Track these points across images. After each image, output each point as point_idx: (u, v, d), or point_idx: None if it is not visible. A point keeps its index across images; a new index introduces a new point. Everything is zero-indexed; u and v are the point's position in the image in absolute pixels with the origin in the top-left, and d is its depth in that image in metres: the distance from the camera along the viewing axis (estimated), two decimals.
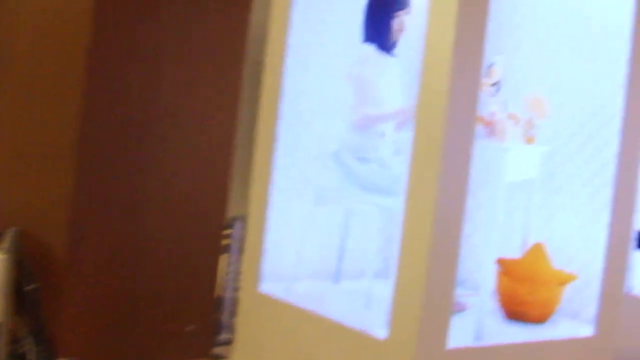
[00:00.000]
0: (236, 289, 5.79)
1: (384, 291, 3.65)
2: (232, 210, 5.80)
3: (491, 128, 3.82)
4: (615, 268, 4.05)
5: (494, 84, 3.92)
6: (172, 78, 5.07)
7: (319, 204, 4.10)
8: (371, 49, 4.05)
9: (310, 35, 4.17)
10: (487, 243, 3.79)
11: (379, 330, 3.51)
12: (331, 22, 4.25)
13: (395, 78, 4.10)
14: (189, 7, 5.10)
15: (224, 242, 5.83)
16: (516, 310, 4.01)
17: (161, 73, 5.03)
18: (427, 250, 3.34)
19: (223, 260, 5.81)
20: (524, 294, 3.98)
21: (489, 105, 3.85)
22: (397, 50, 4.12)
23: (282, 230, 4.18)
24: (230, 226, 6.00)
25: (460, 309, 3.95)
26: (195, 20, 5.10)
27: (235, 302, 5.47)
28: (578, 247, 4.15)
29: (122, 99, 4.91)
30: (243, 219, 5.30)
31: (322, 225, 4.28)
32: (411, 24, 4.06)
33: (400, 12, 4.05)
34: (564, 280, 4.04)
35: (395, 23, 4.05)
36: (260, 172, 4.15)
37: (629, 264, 4.57)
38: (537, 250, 4.06)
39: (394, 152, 3.98)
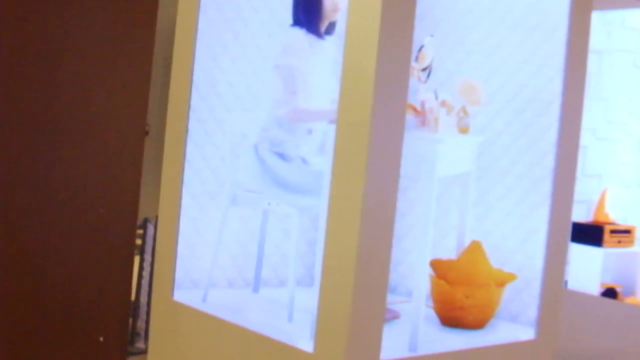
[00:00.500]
0: (150, 294, 5.53)
1: (308, 300, 3.45)
2: (144, 211, 5.56)
3: (422, 117, 3.61)
4: (555, 265, 3.91)
5: (424, 69, 3.70)
6: (75, 72, 4.83)
7: (234, 205, 3.89)
8: (300, 33, 3.75)
9: (223, 22, 3.99)
10: (419, 244, 3.56)
11: (305, 343, 3.30)
12: (250, 6, 4.06)
13: (329, 65, 3.81)
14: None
15: (137, 242, 5.56)
16: (453, 315, 3.82)
17: (64, 67, 4.81)
18: (354, 255, 3.10)
19: (136, 262, 5.54)
20: (461, 297, 3.78)
21: (419, 93, 3.64)
22: (333, 33, 3.83)
23: (195, 233, 4.02)
24: (142, 227, 5.78)
25: (392, 317, 3.77)
26: (100, 10, 4.78)
27: (150, 308, 5.18)
28: (516, 244, 3.99)
29: (20, 95, 4.59)
30: (155, 220, 5.03)
31: (238, 228, 4.12)
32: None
33: None
34: (503, 280, 3.86)
35: (328, 2, 3.72)
36: (169, 170, 3.97)
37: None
38: (474, 249, 3.87)
39: (318, 148, 3.71)
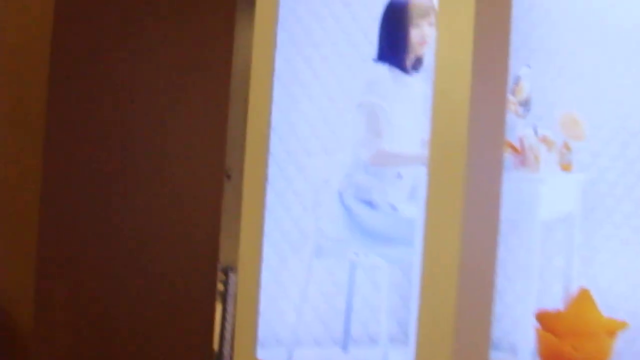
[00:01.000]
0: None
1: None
2: (227, 258, 5.43)
3: (521, 156, 3.47)
4: None
5: (522, 103, 3.54)
6: (149, 114, 4.77)
7: (319, 256, 3.72)
8: (385, 69, 3.58)
9: (301, 60, 3.87)
10: (523, 295, 3.48)
11: None
12: (330, 41, 3.89)
13: (418, 103, 3.62)
14: (167, 33, 4.69)
15: (219, 288, 5.46)
16: None
17: (137, 108, 4.73)
18: (452, 310, 2.92)
19: (218, 310, 5.45)
20: (569, 350, 3.60)
21: (518, 129, 3.52)
22: (420, 68, 3.67)
23: (278, 286, 3.90)
24: (225, 273, 5.66)
25: None
26: (174, 49, 4.68)
27: None
28: (627, 289, 3.79)
29: (91, 138, 4.47)
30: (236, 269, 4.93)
31: (324, 281, 3.93)
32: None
33: (422, 21, 3.54)
34: (614, 329, 3.67)
35: (415, 35, 3.53)
36: (248, 220, 3.76)
37: None
38: (583, 298, 3.69)
39: (409, 194, 3.57)
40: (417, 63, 3.62)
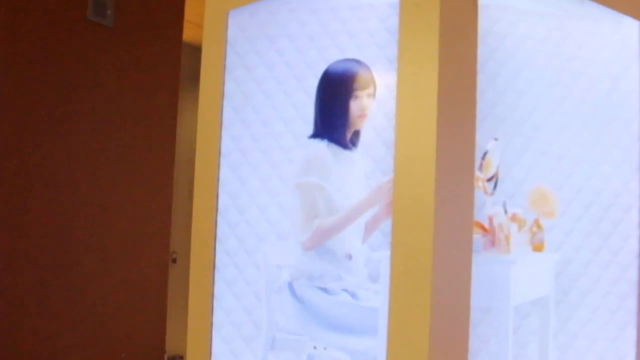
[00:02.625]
0: None
1: None
2: (175, 347, 5.36)
3: (491, 236, 3.30)
4: None
5: (489, 179, 3.36)
6: (89, 200, 4.65)
7: (273, 350, 3.51)
8: (322, 145, 3.40)
9: (249, 137, 3.65)
10: None
11: None
12: (260, 121, 3.68)
13: (360, 179, 3.41)
14: (110, 114, 4.58)
15: None
16: None
17: (77, 195, 4.73)
18: None
19: None
20: None
21: (486, 207, 3.35)
22: (358, 143, 3.46)
23: None
24: None
25: None
26: (119, 128, 4.58)
27: None
28: None
29: (28, 233, 4.33)
30: None
31: None
32: (377, 109, 3.42)
33: (361, 93, 3.36)
34: None
35: (355, 107, 3.32)
36: (195, 308, 3.62)
37: None
38: None
39: (368, 277, 3.33)
40: (355, 137, 3.44)
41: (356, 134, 3.43)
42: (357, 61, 3.39)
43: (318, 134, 3.44)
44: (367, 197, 3.28)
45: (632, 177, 3.61)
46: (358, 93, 3.37)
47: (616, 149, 3.63)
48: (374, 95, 3.34)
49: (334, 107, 3.41)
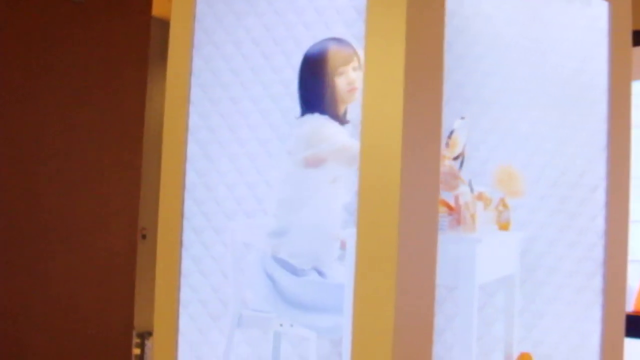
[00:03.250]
0: None
1: None
2: (144, 322, 5.34)
3: (457, 215, 3.31)
4: None
5: (455, 158, 3.39)
6: (58, 177, 4.54)
7: (241, 327, 3.52)
8: (321, 118, 3.40)
9: (219, 116, 3.63)
10: None
11: None
12: (249, 98, 3.65)
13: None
14: (78, 91, 4.56)
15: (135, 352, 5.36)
16: None
17: (46, 171, 4.59)
18: None
19: None
20: None
21: None
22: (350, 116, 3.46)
23: (196, 359, 3.63)
24: (141, 337, 5.55)
25: None
26: (85, 108, 4.57)
27: None
28: (569, 352, 3.69)
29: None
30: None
31: (246, 353, 3.66)
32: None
33: (346, 68, 3.37)
34: None
35: (342, 83, 3.34)
36: (162, 289, 3.62)
37: None
38: None
39: (337, 256, 3.36)
40: (345, 112, 3.44)
41: (345, 109, 3.44)
42: (335, 39, 3.38)
43: (313, 110, 3.43)
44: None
45: (598, 157, 3.65)
46: (342, 69, 3.37)
47: (583, 129, 3.66)
48: (360, 67, 3.33)
49: (321, 86, 3.41)
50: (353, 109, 3.40)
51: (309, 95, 3.41)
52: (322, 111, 3.38)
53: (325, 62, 3.40)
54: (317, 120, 3.38)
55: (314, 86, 3.40)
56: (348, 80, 3.35)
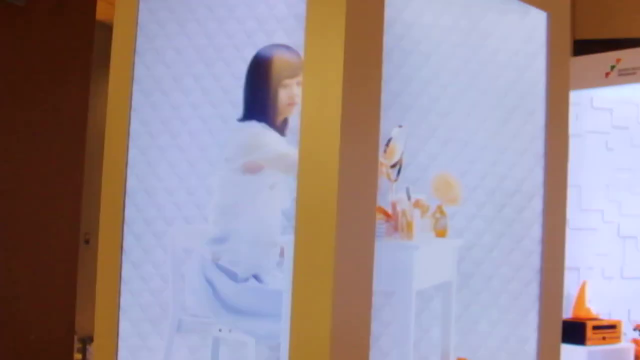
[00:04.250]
0: None
1: None
2: (86, 327, 5.30)
3: (394, 222, 3.31)
4: None
5: (393, 165, 3.38)
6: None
7: (179, 332, 3.50)
8: (259, 127, 3.40)
9: (159, 122, 3.61)
10: None
11: None
12: (189, 103, 3.63)
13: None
14: (21, 95, 4.50)
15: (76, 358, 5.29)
16: None
17: None
18: None
19: None
20: None
21: (390, 193, 3.36)
22: (289, 129, 3.45)
23: None
24: (83, 343, 5.49)
25: None
26: (30, 108, 4.52)
27: None
28: (506, 358, 3.70)
29: None
30: None
31: (185, 359, 3.62)
32: None
33: (291, 81, 3.36)
34: None
35: (284, 96, 3.34)
36: (102, 295, 3.59)
37: None
38: None
39: (276, 263, 3.34)
40: (285, 124, 3.43)
41: (286, 121, 3.43)
42: (287, 47, 3.36)
43: (251, 117, 3.42)
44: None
45: (536, 165, 3.66)
46: (287, 82, 3.36)
47: (521, 138, 3.67)
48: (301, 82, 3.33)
49: (263, 94, 3.40)
50: (293, 118, 3.42)
51: (252, 99, 3.40)
52: (261, 119, 3.38)
53: (272, 70, 3.40)
54: (255, 127, 3.37)
55: (258, 91, 3.40)
56: (290, 94, 3.34)
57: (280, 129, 3.39)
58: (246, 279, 3.34)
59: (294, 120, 3.39)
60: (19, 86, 4.75)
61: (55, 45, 4.91)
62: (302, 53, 3.14)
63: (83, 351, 5.65)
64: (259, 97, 3.41)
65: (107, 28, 3.87)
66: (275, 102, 3.38)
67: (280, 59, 3.41)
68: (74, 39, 4.99)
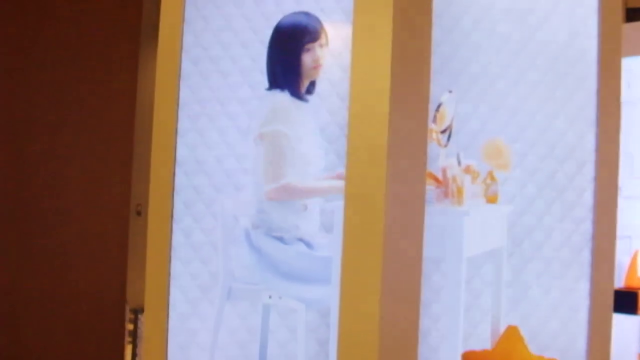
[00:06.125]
0: None
1: None
2: (138, 298, 5.34)
3: (444, 188, 3.29)
4: (600, 347, 3.67)
5: (443, 131, 3.38)
6: (48, 149, 4.57)
7: (230, 300, 3.49)
8: (283, 96, 3.38)
9: (207, 90, 3.59)
10: (449, 336, 3.27)
11: None
12: (218, 71, 3.63)
13: (316, 130, 3.37)
14: (69, 67, 4.52)
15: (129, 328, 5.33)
16: None
17: (35, 143, 4.60)
18: (375, 355, 2.75)
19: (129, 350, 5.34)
20: None
21: (440, 159, 3.35)
22: (314, 93, 3.43)
23: (187, 333, 3.60)
24: (134, 313, 5.51)
25: None
26: (76, 82, 4.51)
27: None
28: (557, 326, 3.66)
29: None
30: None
31: (236, 326, 3.63)
32: (331, 59, 3.38)
33: (313, 44, 3.33)
34: None
35: (307, 59, 3.32)
36: (153, 262, 3.58)
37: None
38: (510, 336, 3.54)
39: (322, 228, 3.31)
40: (311, 87, 3.42)
41: (312, 84, 3.43)
42: (306, 13, 3.36)
43: (277, 85, 3.44)
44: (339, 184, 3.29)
45: (587, 132, 3.61)
46: (309, 45, 3.36)
47: (571, 104, 3.63)
48: (327, 44, 3.33)
49: (286, 61, 3.40)
50: (320, 82, 3.41)
51: (274, 68, 3.41)
52: (284, 87, 3.40)
53: (293, 37, 3.39)
54: (276, 97, 3.39)
55: (280, 59, 3.39)
56: (314, 57, 3.34)
57: (303, 95, 3.40)
58: (294, 243, 3.35)
59: (322, 84, 3.41)
60: (68, 57, 4.76)
61: (105, 16, 4.92)
62: (349, 17, 3.14)
63: (135, 322, 5.69)
64: (283, 63, 3.42)
65: None
66: (300, 67, 3.39)
67: (300, 24, 3.41)
68: (123, 9, 5.00)
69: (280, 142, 3.38)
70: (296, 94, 3.38)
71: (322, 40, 3.32)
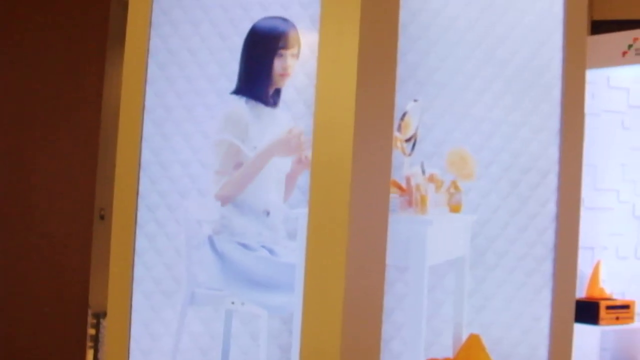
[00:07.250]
0: None
1: None
2: (101, 303, 5.32)
3: (408, 196, 3.29)
4: (562, 356, 3.69)
5: (408, 140, 3.37)
6: (11, 152, 4.45)
7: (192, 305, 3.51)
8: (241, 103, 3.41)
9: (173, 95, 3.61)
10: (411, 345, 3.29)
11: None
12: (183, 77, 3.64)
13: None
14: (34, 69, 4.50)
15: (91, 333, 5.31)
16: None
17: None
18: None
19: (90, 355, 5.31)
20: None
21: (404, 167, 3.35)
22: (282, 100, 3.44)
23: (149, 337, 3.61)
24: (97, 318, 5.50)
25: None
26: (44, 82, 4.51)
27: None
28: (519, 335, 3.67)
29: None
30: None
31: (199, 331, 3.63)
32: (299, 68, 3.40)
33: (285, 52, 3.34)
34: None
35: (278, 65, 3.31)
36: (116, 268, 3.61)
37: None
38: (472, 344, 3.53)
39: (286, 234, 3.33)
40: (276, 95, 3.43)
41: (277, 92, 3.43)
42: (284, 19, 3.37)
43: (239, 90, 3.43)
44: (268, 146, 3.29)
45: (551, 142, 3.63)
46: (282, 52, 3.37)
47: (536, 114, 3.65)
48: (297, 55, 3.34)
49: (258, 64, 3.40)
50: (286, 89, 3.41)
51: (244, 70, 3.42)
52: (246, 92, 3.41)
53: (268, 41, 3.40)
54: (239, 104, 3.41)
55: (254, 62, 3.41)
56: (284, 65, 3.35)
57: (269, 100, 3.40)
58: (257, 249, 3.35)
59: (288, 91, 3.41)
60: (34, 59, 4.75)
61: (71, 18, 4.91)
62: (316, 25, 3.15)
63: (97, 326, 5.68)
64: (253, 66, 3.43)
65: (123, 4, 3.88)
66: (270, 71, 3.39)
67: (277, 30, 3.42)
68: (90, 11, 4.99)
69: (226, 150, 3.42)
70: (261, 98, 3.39)
71: (295, 50, 3.33)
